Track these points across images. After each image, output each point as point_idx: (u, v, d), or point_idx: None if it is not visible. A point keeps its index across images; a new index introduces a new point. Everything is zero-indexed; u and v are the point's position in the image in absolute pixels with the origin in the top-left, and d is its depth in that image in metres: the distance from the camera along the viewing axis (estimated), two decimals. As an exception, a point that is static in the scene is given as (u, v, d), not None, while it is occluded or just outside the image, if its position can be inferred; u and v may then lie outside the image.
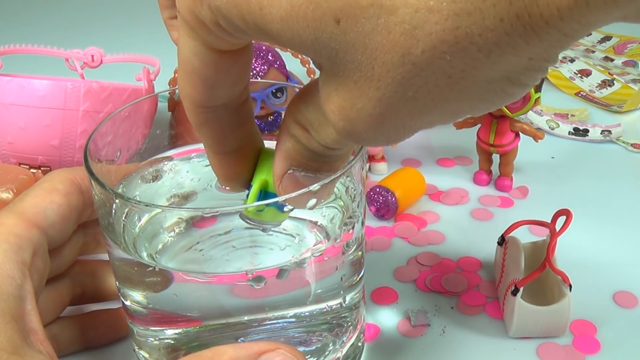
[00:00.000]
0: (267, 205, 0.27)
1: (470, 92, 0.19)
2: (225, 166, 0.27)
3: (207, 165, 0.37)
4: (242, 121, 0.26)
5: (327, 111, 0.22)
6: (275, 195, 0.26)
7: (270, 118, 0.46)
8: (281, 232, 0.33)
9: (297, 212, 0.32)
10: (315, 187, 0.26)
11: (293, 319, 0.31)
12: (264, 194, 0.27)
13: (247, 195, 0.28)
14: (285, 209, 0.27)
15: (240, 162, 0.27)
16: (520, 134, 0.52)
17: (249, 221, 0.28)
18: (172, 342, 0.32)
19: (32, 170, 0.49)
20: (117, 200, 0.29)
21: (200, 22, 0.21)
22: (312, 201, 0.26)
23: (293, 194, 0.26)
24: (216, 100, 0.24)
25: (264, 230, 0.29)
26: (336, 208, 0.32)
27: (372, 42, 0.18)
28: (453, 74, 0.19)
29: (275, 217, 0.28)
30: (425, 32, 0.18)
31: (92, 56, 0.57)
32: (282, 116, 0.26)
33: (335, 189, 0.31)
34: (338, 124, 0.21)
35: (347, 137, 0.22)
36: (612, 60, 0.77)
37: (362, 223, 0.32)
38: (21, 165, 0.50)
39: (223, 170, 0.27)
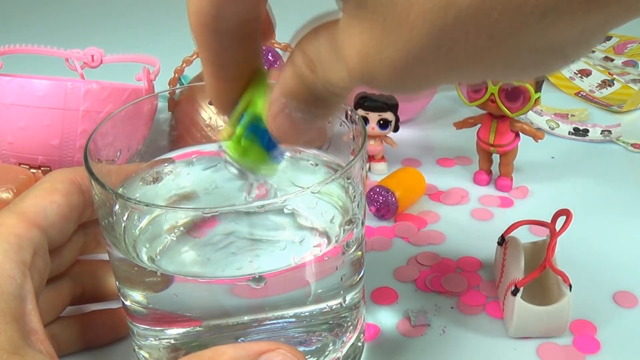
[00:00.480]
0: (250, 135, 0.24)
1: (508, 58, 0.18)
2: (220, 91, 0.25)
3: (207, 169, 0.38)
4: (247, 55, 0.25)
5: (345, 55, 0.20)
6: (265, 131, 0.24)
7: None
8: (282, 234, 0.33)
9: (297, 213, 0.33)
10: (315, 187, 0.26)
11: (293, 319, 0.31)
12: (255, 127, 0.25)
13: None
14: (273, 153, 0.25)
15: (236, 90, 0.25)
16: (520, 134, 0.52)
17: (231, 164, 0.25)
18: (172, 342, 0.32)
19: (32, 170, 0.49)
20: (117, 201, 0.29)
21: None
22: (302, 139, 0.25)
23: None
24: (222, 21, 0.22)
25: (242, 178, 0.26)
26: (336, 208, 0.32)
27: None
28: (496, 35, 0.17)
29: (259, 161, 0.25)
30: None
31: (92, 56, 0.57)
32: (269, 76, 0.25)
33: (335, 189, 0.31)
34: (355, 70, 0.20)
35: (361, 83, 0.20)
36: (612, 60, 0.77)
37: (362, 223, 0.32)
38: (21, 165, 0.50)
39: (217, 94, 0.26)
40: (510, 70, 0.19)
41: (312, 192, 0.27)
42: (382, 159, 0.57)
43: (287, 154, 0.26)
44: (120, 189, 0.34)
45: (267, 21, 0.26)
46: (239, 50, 0.24)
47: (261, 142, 0.25)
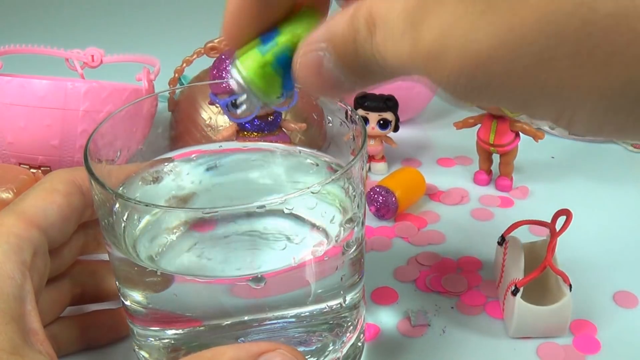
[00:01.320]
0: (276, 66, 0.21)
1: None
2: (244, 17, 0.22)
3: (207, 167, 0.38)
4: None
5: (423, 28, 0.17)
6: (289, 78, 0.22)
7: (270, 118, 0.46)
8: (282, 234, 0.33)
9: (297, 213, 0.33)
10: (315, 187, 0.26)
11: (293, 319, 0.31)
12: (285, 60, 0.22)
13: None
14: (287, 91, 0.22)
15: (262, 17, 0.22)
16: (520, 133, 0.52)
17: (237, 79, 0.22)
18: (172, 342, 0.32)
19: (32, 170, 0.49)
20: (117, 201, 0.29)
21: None
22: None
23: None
24: None
25: (240, 92, 0.23)
26: (336, 208, 0.32)
27: None
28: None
29: (271, 92, 0.22)
30: None
31: (92, 56, 0.57)
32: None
33: (335, 190, 0.31)
34: (422, 50, 0.17)
35: (417, 71, 0.17)
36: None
37: (362, 223, 0.32)
38: (21, 165, 0.50)
39: (238, 24, 0.22)
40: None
41: (312, 192, 0.27)
42: (382, 159, 0.57)
43: (296, 98, 0.24)
44: (120, 189, 0.34)
45: None
46: None
47: (282, 77, 0.22)
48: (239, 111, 0.23)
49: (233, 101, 0.24)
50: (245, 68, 0.22)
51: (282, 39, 0.22)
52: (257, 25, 0.22)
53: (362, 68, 0.20)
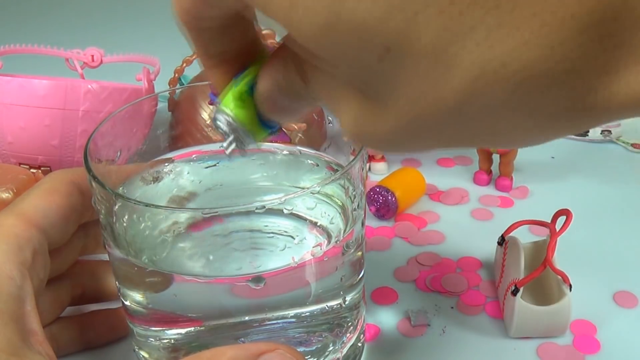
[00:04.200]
0: (251, 93, 0.23)
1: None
2: (218, 73, 0.24)
3: (207, 167, 0.38)
4: (239, 35, 0.23)
5: (337, 110, 0.20)
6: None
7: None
8: (281, 235, 0.33)
9: (297, 213, 0.33)
10: (315, 188, 0.26)
11: (293, 319, 0.31)
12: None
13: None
14: (265, 122, 0.24)
15: (233, 69, 0.24)
16: (520, 133, 0.52)
17: (222, 117, 0.24)
18: (172, 342, 0.32)
19: (32, 170, 0.49)
20: (117, 201, 0.29)
21: None
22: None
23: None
24: (205, 20, 0.22)
25: (231, 142, 0.24)
26: (336, 209, 0.32)
27: (416, 83, 0.17)
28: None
29: (253, 121, 0.24)
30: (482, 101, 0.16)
31: (92, 56, 0.57)
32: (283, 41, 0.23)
33: (336, 190, 0.31)
34: (345, 128, 0.20)
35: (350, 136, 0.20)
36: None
37: (362, 223, 0.32)
38: (21, 165, 0.50)
39: (216, 78, 0.25)
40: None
41: (312, 193, 0.27)
42: (382, 158, 0.57)
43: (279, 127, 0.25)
44: (121, 189, 0.34)
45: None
46: (231, 41, 0.23)
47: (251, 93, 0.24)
48: (227, 151, 0.25)
49: (222, 146, 0.25)
50: (224, 104, 0.24)
51: (247, 74, 0.24)
52: (233, 68, 0.24)
53: (310, 99, 0.22)
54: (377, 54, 0.16)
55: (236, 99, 0.23)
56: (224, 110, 0.24)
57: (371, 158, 0.57)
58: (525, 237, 0.42)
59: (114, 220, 0.30)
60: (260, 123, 0.24)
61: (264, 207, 0.27)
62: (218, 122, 0.24)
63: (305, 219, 0.33)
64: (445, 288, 0.43)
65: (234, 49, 0.23)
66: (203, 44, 0.23)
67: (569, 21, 0.15)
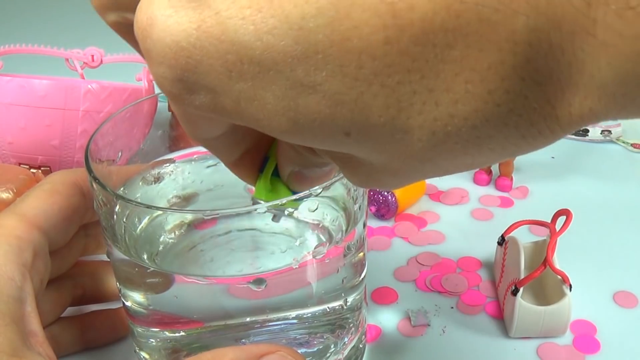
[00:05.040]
0: (275, 179, 0.26)
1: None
2: (243, 168, 0.26)
3: (208, 167, 0.38)
4: (245, 133, 0.25)
5: (340, 169, 0.22)
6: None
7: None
8: (283, 235, 0.33)
9: (298, 214, 0.33)
10: (317, 189, 0.26)
11: (294, 321, 0.31)
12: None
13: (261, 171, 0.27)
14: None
15: (256, 161, 0.26)
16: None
17: (261, 206, 0.27)
18: (173, 343, 0.32)
19: (32, 170, 0.49)
20: (117, 202, 0.29)
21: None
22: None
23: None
24: (212, 135, 0.23)
25: (274, 217, 0.28)
26: (337, 210, 0.32)
27: (384, 149, 0.18)
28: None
29: (285, 197, 0.27)
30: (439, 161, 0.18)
31: (92, 56, 0.57)
32: None
33: (337, 191, 0.31)
34: (348, 180, 0.22)
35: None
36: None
37: (364, 224, 0.32)
38: (21, 165, 0.50)
39: (242, 173, 0.27)
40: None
41: (314, 194, 0.27)
42: (382, 158, 0.57)
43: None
44: (121, 190, 0.34)
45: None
46: (235, 131, 0.25)
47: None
48: (275, 220, 0.28)
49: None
50: (258, 196, 0.26)
51: (269, 164, 0.26)
52: (259, 166, 0.26)
53: (325, 163, 0.24)
54: (340, 138, 0.18)
55: (267, 190, 0.26)
56: (259, 200, 0.26)
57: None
58: (525, 237, 0.42)
59: (115, 221, 0.30)
60: (291, 193, 0.27)
61: (265, 208, 0.27)
62: (260, 207, 0.26)
63: (306, 220, 0.33)
64: (445, 288, 0.43)
65: (251, 144, 0.25)
66: (220, 153, 0.25)
67: (488, 72, 0.16)
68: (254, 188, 0.27)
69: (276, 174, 0.26)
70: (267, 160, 0.26)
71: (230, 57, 0.17)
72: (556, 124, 0.17)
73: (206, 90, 0.18)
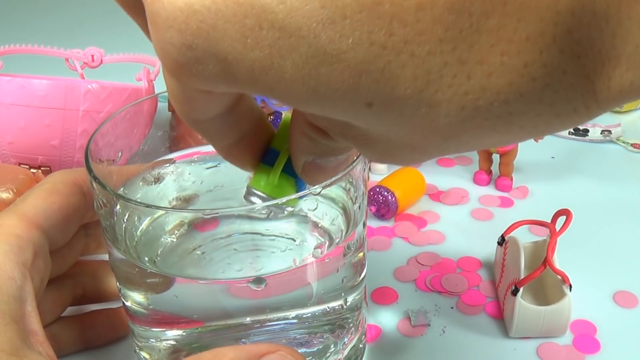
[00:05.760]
0: (285, 175, 0.25)
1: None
2: (238, 154, 0.26)
3: (208, 168, 0.38)
4: (241, 117, 0.24)
5: (358, 148, 0.21)
6: (293, 173, 0.25)
7: (271, 118, 0.46)
8: (283, 237, 0.33)
9: (298, 214, 0.33)
10: (317, 189, 0.26)
11: (294, 320, 0.31)
12: (289, 167, 0.26)
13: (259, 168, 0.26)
14: (301, 188, 0.26)
15: (253, 147, 0.26)
16: (520, 134, 0.52)
17: (256, 197, 0.26)
18: (173, 343, 0.32)
19: (32, 170, 0.49)
20: (118, 202, 0.29)
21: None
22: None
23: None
24: (206, 120, 0.22)
25: (271, 214, 0.27)
26: (337, 210, 0.32)
27: (407, 123, 0.17)
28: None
29: (290, 194, 0.26)
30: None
31: (92, 56, 0.57)
32: (290, 113, 0.25)
33: (337, 191, 0.31)
34: (363, 155, 0.21)
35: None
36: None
37: (364, 224, 0.32)
38: (21, 165, 0.50)
39: (236, 159, 0.26)
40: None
41: (314, 194, 0.27)
42: (382, 158, 0.57)
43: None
44: (122, 190, 0.34)
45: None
46: (231, 116, 0.24)
47: (295, 181, 0.26)
48: (271, 217, 0.27)
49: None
50: (261, 188, 0.26)
51: (280, 158, 0.25)
52: (254, 153, 0.26)
53: (341, 148, 0.23)
54: (361, 109, 0.17)
55: (272, 185, 0.25)
56: (260, 194, 0.25)
57: (371, 158, 0.57)
58: (525, 237, 0.42)
59: (115, 221, 0.30)
60: (297, 191, 0.26)
61: (265, 208, 0.27)
62: (254, 202, 0.26)
63: (306, 221, 0.33)
64: (445, 288, 0.43)
65: (247, 130, 0.24)
66: (214, 136, 0.24)
67: (526, 43, 0.15)
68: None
69: (284, 169, 0.25)
70: (276, 154, 0.25)
71: (249, 21, 0.16)
72: (593, 100, 0.16)
73: (217, 59, 0.17)
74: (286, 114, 0.26)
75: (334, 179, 0.26)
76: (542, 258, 0.39)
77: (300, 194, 0.26)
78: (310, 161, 0.24)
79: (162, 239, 0.33)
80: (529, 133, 0.18)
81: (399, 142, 0.19)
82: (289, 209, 0.27)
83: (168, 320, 0.31)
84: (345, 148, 0.24)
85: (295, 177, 0.26)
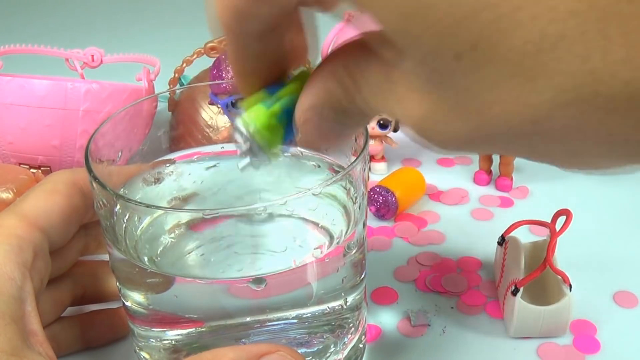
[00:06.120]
0: (283, 118, 0.23)
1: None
2: (249, 79, 0.23)
3: (208, 168, 0.38)
4: (276, 43, 0.22)
5: (398, 110, 0.18)
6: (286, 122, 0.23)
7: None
8: (283, 237, 0.33)
9: (298, 214, 0.33)
10: (317, 189, 0.26)
11: (294, 320, 0.31)
12: (289, 112, 0.23)
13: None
14: (288, 140, 0.24)
15: (263, 77, 0.23)
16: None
17: (242, 134, 0.23)
18: (173, 343, 0.32)
19: (32, 170, 0.49)
20: (118, 202, 0.29)
21: None
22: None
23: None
24: (254, 20, 0.20)
25: (247, 162, 0.24)
26: (337, 210, 0.32)
27: (490, 90, 0.15)
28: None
29: (274, 142, 0.24)
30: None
31: (92, 56, 0.57)
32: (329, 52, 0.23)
33: (337, 191, 0.31)
34: (407, 125, 0.19)
35: (411, 132, 0.19)
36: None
37: (364, 225, 0.32)
38: (21, 165, 0.50)
39: (245, 83, 0.24)
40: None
41: (314, 194, 0.27)
42: (382, 158, 0.57)
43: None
44: (122, 190, 0.34)
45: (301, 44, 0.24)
46: (268, 49, 0.22)
47: (285, 129, 0.24)
48: (240, 165, 0.24)
49: (242, 153, 0.25)
50: (252, 119, 0.23)
51: (284, 93, 0.23)
52: (262, 80, 0.24)
53: (357, 113, 0.21)
54: (458, 51, 0.15)
55: (268, 116, 0.23)
56: (249, 123, 0.23)
57: (371, 158, 0.57)
58: (525, 237, 0.42)
59: (115, 221, 0.30)
60: (282, 140, 0.24)
61: (265, 208, 0.27)
62: (237, 134, 0.24)
63: (306, 221, 0.33)
64: (445, 288, 0.43)
65: (270, 58, 0.23)
66: (239, 49, 0.22)
67: None
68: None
69: (283, 116, 0.23)
70: (277, 84, 0.23)
71: None
72: None
73: None
74: (304, 70, 0.24)
75: (334, 179, 0.26)
76: (542, 258, 0.39)
77: (287, 144, 0.24)
78: (315, 118, 0.22)
79: (162, 239, 0.33)
80: (610, 159, 0.15)
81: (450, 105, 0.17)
82: (267, 160, 0.24)
83: (168, 320, 0.31)
84: (358, 122, 0.22)
85: (285, 128, 0.24)
